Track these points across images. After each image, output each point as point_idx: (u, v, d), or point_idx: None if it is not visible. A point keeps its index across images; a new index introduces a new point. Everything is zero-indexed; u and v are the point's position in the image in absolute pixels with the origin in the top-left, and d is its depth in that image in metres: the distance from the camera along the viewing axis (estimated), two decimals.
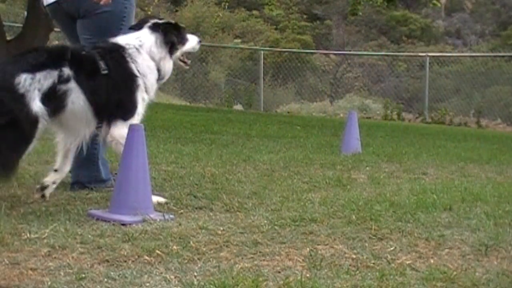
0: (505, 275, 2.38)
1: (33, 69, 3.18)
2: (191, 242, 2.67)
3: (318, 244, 2.73)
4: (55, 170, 3.53)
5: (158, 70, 3.61)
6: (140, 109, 3.50)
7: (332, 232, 2.90)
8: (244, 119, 10.02)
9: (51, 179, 3.51)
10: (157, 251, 2.53)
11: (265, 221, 3.06)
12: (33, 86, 3.15)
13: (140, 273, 2.31)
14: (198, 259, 2.49)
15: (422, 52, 18.96)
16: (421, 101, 15.34)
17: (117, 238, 2.71)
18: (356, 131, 6.25)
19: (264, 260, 2.51)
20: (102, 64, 3.37)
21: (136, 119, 3.47)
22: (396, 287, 2.24)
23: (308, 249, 2.64)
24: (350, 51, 22.40)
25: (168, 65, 3.66)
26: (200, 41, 3.88)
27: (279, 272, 2.37)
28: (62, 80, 3.24)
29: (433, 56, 16.32)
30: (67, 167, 3.57)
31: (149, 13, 26.13)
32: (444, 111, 14.43)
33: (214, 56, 22.10)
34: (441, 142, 8.11)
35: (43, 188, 3.47)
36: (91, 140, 3.62)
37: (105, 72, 3.36)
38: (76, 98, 3.30)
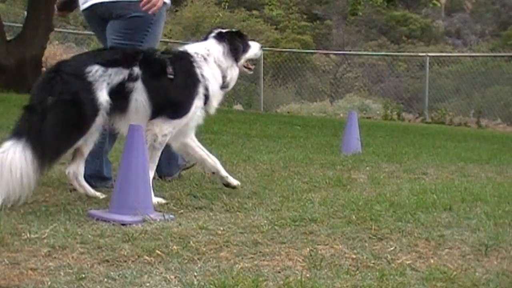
0: (505, 275, 2.38)
1: (107, 63, 3.37)
2: (191, 242, 2.67)
3: (318, 244, 2.73)
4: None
5: (224, 78, 3.74)
6: (191, 114, 3.60)
7: (332, 232, 2.90)
8: (244, 119, 10.01)
9: None
10: (157, 251, 2.53)
11: (265, 221, 3.06)
12: (102, 78, 3.33)
13: (140, 273, 2.31)
14: (198, 259, 2.49)
15: (422, 52, 18.95)
16: (421, 101, 15.34)
17: (117, 238, 2.71)
18: (356, 131, 6.25)
19: (264, 260, 2.51)
20: (170, 69, 3.53)
21: (181, 122, 3.57)
22: (396, 287, 2.24)
23: (308, 249, 2.64)
24: (350, 51, 22.38)
25: (234, 73, 3.83)
26: (261, 47, 4.04)
27: (279, 272, 2.37)
28: (131, 78, 3.41)
29: (433, 56, 16.31)
30: None
31: None
32: (444, 111, 14.43)
33: None
34: (441, 142, 8.12)
35: None
36: (100, 135, 3.68)
37: (171, 76, 3.51)
38: (140, 96, 3.45)
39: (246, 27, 23.30)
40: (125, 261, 2.43)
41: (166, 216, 3.08)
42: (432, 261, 2.56)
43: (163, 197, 3.51)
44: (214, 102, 3.73)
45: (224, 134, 7.52)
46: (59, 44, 19.29)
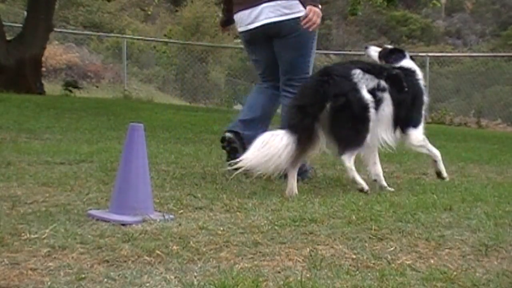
0: (505, 275, 2.38)
1: (364, 69, 3.99)
2: (191, 242, 2.66)
3: (318, 244, 2.73)
4: (374, 180, 4.20)
5: None
6: (423, 122, 4.32)
7: (332, 232, 2.90)
8: None
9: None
10: (157, 251, 2.52)
11: (265, 221, 3.05)
12: (362, 80, 3.94)
13: (140, 273, 2.30)
14: (198, 259, 2.48)
15: (422, 52, 18.94)
16: None
17: (117, 238, 2.71)
18: None
19: (264, 260, 2.51)
20: (405, 84, 4.15)
21: (422, 126, 4.28)
22: (396, 287, 2.24)
23: (308, 249, 2.64)
24: (350, 51, 22.38)
25: None
26: None
27: (279, 272, 2.37)
28: (380, 88, 4.01)
29: (433, 56, 16.31)
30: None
31: (149, 13, 26.17)
32: (444, 111, 14.43)
33: (214, 56, 22.09)
34: (441, 142, 8.10)
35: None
36: None
37: (406, 90, 4.15)
38: (386, 107, 4.05)
39: None
40: (125, 261, 2.43)
41: (166, 216, 3.07)
42: (432, 261, 2.55)
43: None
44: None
45: None
46: (59, 44, 19.33)
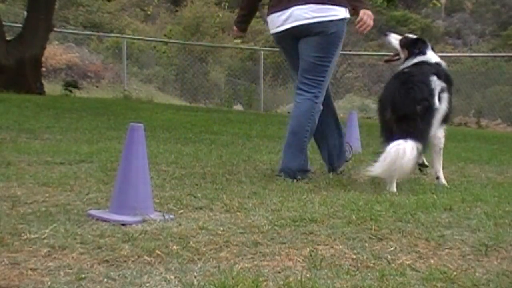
0: (505, 275, 2.38)
1: (436, 74, 4.25)
2: (191, 242, 2.67)
3: (318, 244, 2.73)
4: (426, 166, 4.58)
5: None
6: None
7: (332, 232, 2.90)
8: (244, 119, 10.01)
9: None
10: (157, 251, 2.53)
11: (265, 221, 3.05)
12: (436, 86, 4.19)
13: (140, 273, 2.30)
14: (198, 259, 2.48)
15: None
16: None
17: (117, 238, 2.71)
18: (356, 131, 6.25)
19: (264, 260, 2.51)
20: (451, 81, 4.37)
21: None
22: (396, 287, 2.24)
23: (308, 249, 2.64)
24: (350, 51, 22.35)
25: None
26: None
27: (279, 272, 2.37)
28: (442, 90, 4.24)
29: None
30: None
31: (149, 13, 26.18)
32: None
33: (214, 56, 22.09)
34: None
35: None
36: (303, 131, 4.48)
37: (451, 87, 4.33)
38: (443, 105, 4.25)
39: None
40: (125, 261, 2.43)
41: (166, 216, 3.07)
42: (432, 261, 2.55)
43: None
44: None
45: (224, 134, 7.52)
46: (59, 44, 19.34)
